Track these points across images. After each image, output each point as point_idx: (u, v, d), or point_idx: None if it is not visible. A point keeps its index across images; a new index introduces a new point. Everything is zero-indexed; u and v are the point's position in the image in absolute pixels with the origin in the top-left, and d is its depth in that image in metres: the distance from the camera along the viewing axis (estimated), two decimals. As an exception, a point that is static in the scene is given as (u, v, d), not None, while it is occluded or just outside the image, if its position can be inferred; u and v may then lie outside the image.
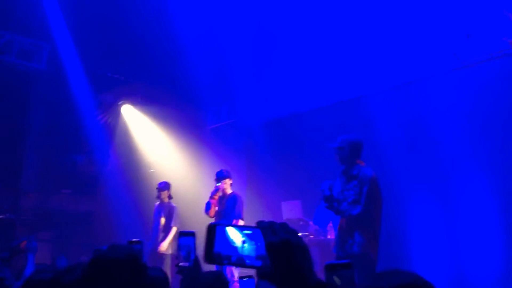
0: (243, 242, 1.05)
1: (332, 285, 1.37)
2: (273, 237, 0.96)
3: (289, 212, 6.98)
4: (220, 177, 6.18)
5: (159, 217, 7.32)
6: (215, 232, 1.06)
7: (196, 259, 1.92)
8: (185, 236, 1.98)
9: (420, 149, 6.60)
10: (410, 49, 6.89)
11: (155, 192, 7.47)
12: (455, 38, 6.52)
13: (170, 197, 7.46)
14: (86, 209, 9.65)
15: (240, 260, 1.04)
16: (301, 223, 6.93)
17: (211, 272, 2.51)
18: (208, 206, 6.13)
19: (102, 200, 9.38)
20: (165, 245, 7.03)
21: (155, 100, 9.65)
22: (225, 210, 6.07)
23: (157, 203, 7.47)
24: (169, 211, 7.29)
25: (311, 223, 6.81)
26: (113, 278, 1.48)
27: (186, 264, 1.95)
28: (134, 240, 2.15)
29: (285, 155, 8.27)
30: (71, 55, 8.33)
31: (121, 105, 10.09)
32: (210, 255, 1.05)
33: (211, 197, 6.12)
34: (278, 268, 0.94)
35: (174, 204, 7.41)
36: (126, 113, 10.12)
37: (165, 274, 2.20)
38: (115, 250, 1.57)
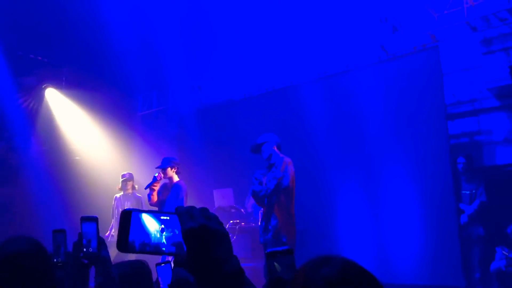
0: (160, 229, 1.00)
1: (272, 272, 1.34)
2: (190, 222, 0.91)
3: (221, 199, 6.96)
4: (160, 166, 5.97)
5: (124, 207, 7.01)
6: (130, 219, 0.99)
7: (99, 246, 1.80)
8: (86, 222, 1.84)
9: (348, 138, 6.80)
10: (339, 41, 7.07)
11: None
12: (382, 31, 6.76)
13: (133, 187, 7.28)
14: (5, 199, 9.06)
15: (156, 248, 0.99)
16: (233, 210, 6.94)
17: (132, 261, 2.42)
18: (148, 197, 5.94)
19: (23, 190, 8.83)
20: None
21: (81, 84, 9.20)
22: (168, 199, 5.88)
23: (119, 194, 7.24)
24: (136, 203, 7.07)
25: (242, 210, 6.84)
26: (13, 276, 1.33)
27: (89, 251, 1.82)
28: (57, 229, 2.03)
29: (217, 142, 8.22)
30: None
31: (44, 88, 9.51)
32: (123, 244, 0.98)
33: (148, 187, 5.90)
34: (194, 255, 0.89)
35: (139, 195, 7.23)
36: (50, 97, 9.56)
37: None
38: (14, 243, 1.41)
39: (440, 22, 6.34)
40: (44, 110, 9.49)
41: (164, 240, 0.99)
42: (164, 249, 0.99)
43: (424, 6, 6.47)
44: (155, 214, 1.01)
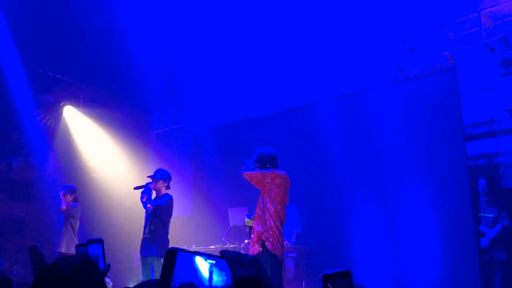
0: (211, 272, 0.98)
1: None
2: (244, 272, 0.91)
3: (236, 218, 6.92)
4: (153, 176, 5.83)
5: (63, 221, 6.90)
6: (175, 258, 0.95)
7: (105, 270, 1.82)
8: (93, 244, 1.91)
9: (364, 159, 6.77)
10: (356, 61, 7.09)
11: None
12: (399, 52, 6.77)
13: (75, 200, 7.00)
14: (21, 215, 9.13)
15: None
16: (247, 229, 6.89)
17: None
18: (144, 205, 5.75)
19: (39, 206, 8.90)
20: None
21: (99, 102, 9.33)
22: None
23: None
24: (69, 213, 6.85)
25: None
26: None
27: None
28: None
29: (232, 161, 8.20)
30: (9, 52, 7.88)
31: (62, 106, 9.65)
32: (167, 285, 0.95)
33: (137, 188, 5.75)
34: None
35: (76, 204, 6.97)
36: (68, 115, 9.69)
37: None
38: (70, 262, 1.43)
39: (457, 43, 6.33)
40: (61, 127, 9.62)
41: (215, 284, 0.97)
42: None
43: (441, 27, 6.48)
44: (204, 257, 0.99)
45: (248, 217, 4.64)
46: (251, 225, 4.58)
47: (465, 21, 6.29)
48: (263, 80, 8.23)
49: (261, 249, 4.34)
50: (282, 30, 7.46)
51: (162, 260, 5.44)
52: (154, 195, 5.82)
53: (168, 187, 5.88)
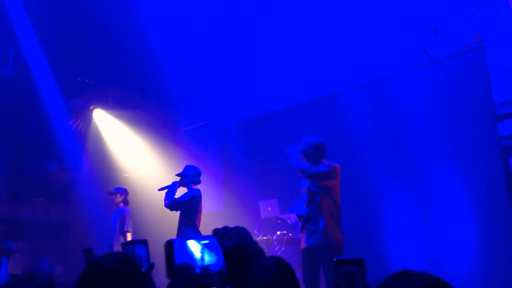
0: (202, 253, 1.12)
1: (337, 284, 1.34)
2: (228, 242, 1.00)
3: (267, 211, 6.97)
4: (182, 174, 5.96)
5: (115, 222, 7.26)
6: (173, 247, 1.11)
7: (149, 269, 1.90)
8: (138, 245, 2.00)
9: (394, 145, 6.68)
10: (380, 46, 6.99)
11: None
12: (424, 34, 6.64)
13: (125, 201, 7.43)
14: (59, 218, 9.44)
15: (205, 270, 1.10)
16: (279, 221, 6.94)
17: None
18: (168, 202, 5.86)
19: (76, 208, 9.19)
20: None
21: (127, 104, 9.53)
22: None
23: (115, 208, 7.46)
24: (121, 216, 7.22)
25: (288, 221, 6.82)
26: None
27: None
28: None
29: (260, 154, 8.26)
30: (39, 60, 8.14)
31: (92, 109, 9.91)
32: (171, 271, 1.10)
33: (162, 189, 5.92)
34: (233, 272, 1.00)
35: (127, 208, 7.35)
36: (98, 118, 9.95)
37: None
38: (110, 258, 1.50)
39: (484, 20, 6.16)
40: (92, 130, 9.88)
41: (209, 262, 1.10)
42: (212, 269, 1.10)
43: (465, 5, 6.31)
44: (197, 239, 1.12)
45: (302, 212, 4.65)
46: (304, 219, 4.63)
47: (491, -3, 6.11)
48: (287, 70, 8.21)
49: (322, 241, 4.41)
50: (304, 18, 7.43)
51: None
52: (183, 191, 5.92)
53: (197, 183, 5.95)
